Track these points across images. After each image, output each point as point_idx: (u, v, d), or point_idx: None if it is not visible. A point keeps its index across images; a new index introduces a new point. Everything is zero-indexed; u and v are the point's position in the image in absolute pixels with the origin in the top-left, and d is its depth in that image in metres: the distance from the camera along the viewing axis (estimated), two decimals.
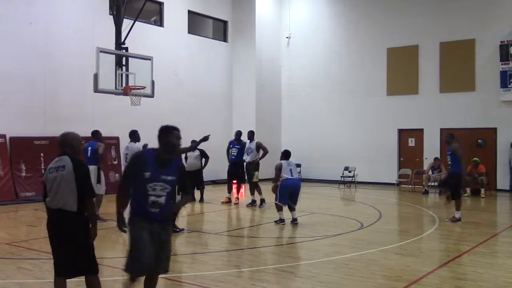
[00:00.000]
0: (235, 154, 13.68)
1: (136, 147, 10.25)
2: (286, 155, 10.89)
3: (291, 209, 10.56)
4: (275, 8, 22.13)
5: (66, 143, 4.80)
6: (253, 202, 13.27)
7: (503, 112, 17.29)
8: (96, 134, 10.83)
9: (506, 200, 15.78)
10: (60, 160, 4.70)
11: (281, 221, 10.52)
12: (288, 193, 10.46)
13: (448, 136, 11.26)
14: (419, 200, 15.25)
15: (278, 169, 10.54)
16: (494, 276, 6.58)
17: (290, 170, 10.55)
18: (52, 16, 15.10)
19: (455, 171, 10.90)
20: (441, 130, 18.48)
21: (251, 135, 13.72)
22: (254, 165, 13.37)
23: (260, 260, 7.56)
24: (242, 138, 13.92)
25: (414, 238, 9.29)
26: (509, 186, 17.01)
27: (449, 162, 11.11)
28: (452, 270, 6.94)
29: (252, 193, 13.42)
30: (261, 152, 13.50)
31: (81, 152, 4.99)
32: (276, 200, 10.58)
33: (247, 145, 13.53)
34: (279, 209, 10.60)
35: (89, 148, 10.54)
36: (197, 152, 13.97)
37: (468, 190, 16.07)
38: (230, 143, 13.95)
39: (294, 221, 10.45)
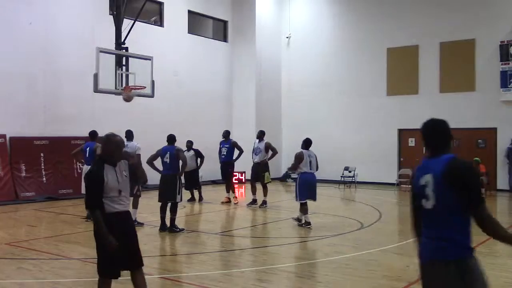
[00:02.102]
0: (224, 153, 13.73)
1: (135, 145, 10.33)
2: (307, 143, 10.18)
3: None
4: (275, 8, 22.13)
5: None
6: (253, 202, 13.24)
7: (503, 112, 17.28)
8: (94, 135, 11.06)
9: (506, 200, 15.78)
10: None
11: (307, 224, 9.94)
12: (307, 189, 9.94)
13: None
14: None
15: (299, 158, 9.93)
16: (494, 276, 6.57)
17: (310, 162, 10.01)
18: (52, 16, 15.09)
19: None
20: None
21: (260, 135, 13.48)
22: (263, 166, 13.23)
23: (260, 260, 7.55)
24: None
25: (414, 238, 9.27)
26: (508, 186, 17.02)
27: None
28: None
29: (254, 193, 13.38)
30: (270, 152, 13.40)
31: (119, 157, 4.75)
32: (296, 199, 10.05)
33: (256, 145, 13.40)
34: (304, 211, 9.96)
35: (88, 149, 10.86)
36: (192, 152, 13.94)
37: None
38: (220, 143, 13.99)
39: (306, 225, 9.95)
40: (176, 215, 9.54)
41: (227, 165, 13.74)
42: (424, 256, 3.19)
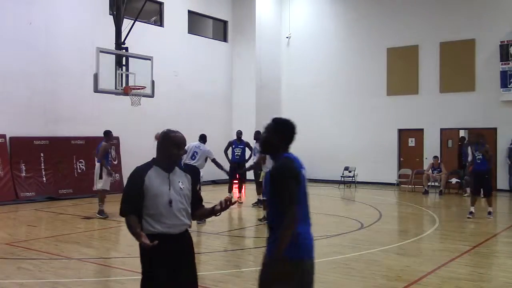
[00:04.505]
0: (239, 154, 13.73)
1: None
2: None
3: None
4: (275, 8, 22.12)
5: None
6: (259, 202, 13.14)
7: (503, 112, 17.28)
8: (105, 133, 11.51)
9: (506, 200, 15.78)
10: None
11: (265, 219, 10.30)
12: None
13: (481, 136, 11.98)
14: (419, 200, 15.25)
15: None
16: (494, 276, 6.58)
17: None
18: (52, 16, 15.09)
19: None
20: (441, 130, 18.50)
21: (258, 135, 13.57)
22: (260, 165, 13.28)
23: (260, 260, 7.54)
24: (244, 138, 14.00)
25: (414, 238, 9.29)
26: (508, 186, 17.02)
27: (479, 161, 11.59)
28: (452, 270, 6.93)
29: (259, 193, 13.29)
30: None
31: (175, 160, 3.80)
32: (263, 195, 10.33)
33: (253, 145, 13.46)
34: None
35: (98, 147, 11.63)
36: None
37: (468, 190, 16.07)
38: (232, 143, 13.98)
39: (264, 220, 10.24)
40: None
41: (240, 165, 13.73)
42: (311, 253, 3.37)
